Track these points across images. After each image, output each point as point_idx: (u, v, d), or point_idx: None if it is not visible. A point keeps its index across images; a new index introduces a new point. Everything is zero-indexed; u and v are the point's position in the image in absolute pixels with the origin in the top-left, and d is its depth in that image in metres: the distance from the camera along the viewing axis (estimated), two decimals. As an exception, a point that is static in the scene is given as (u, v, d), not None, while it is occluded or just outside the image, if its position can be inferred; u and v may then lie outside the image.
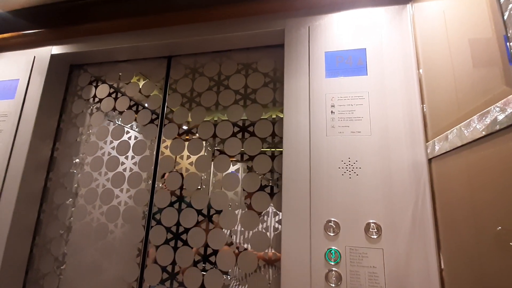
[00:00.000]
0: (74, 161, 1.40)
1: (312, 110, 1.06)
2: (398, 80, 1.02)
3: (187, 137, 1.28)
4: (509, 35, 0.57)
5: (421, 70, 1.01)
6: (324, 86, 1.08)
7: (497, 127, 0.59)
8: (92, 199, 1.31)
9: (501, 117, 0.58)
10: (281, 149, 1.08)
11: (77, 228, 1.32)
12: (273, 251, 1.07)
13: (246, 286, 1.08)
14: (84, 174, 1.36)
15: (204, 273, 1.10)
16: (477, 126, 0.66)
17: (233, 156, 1.19)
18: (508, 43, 0.57)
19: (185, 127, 1.32)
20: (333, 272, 0.91)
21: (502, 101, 0.57)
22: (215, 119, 1.26)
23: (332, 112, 1.05)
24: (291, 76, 1.12)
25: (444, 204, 0.86)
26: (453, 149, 0.77)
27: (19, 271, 1.28)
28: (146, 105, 1.37)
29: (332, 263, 0.92)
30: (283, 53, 1.16)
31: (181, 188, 1.21)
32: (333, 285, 0.90)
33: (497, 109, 0.59)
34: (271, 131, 1.18)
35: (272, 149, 1.16)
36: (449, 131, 0.79)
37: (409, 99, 1.00)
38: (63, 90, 1.49)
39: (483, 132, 0.63)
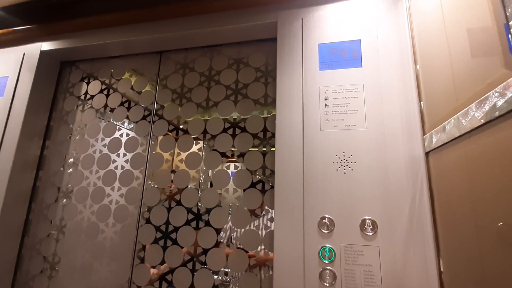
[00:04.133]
0: (64, 160, 1.37)
1: (306, 103, 1.03)
2: (394, 71, 0.98)
3: (177, 137, 1.25)
4: (509, 23, 0.54)
5: (418, 65, 0.97)
6: (317, 79, 1.04)
7: (497, 114, 0.55)
8: (83, 198, 1.28)
9: (500, 102, 0.54)
10: (273, 149, 1.05)
11: (67, 227, 1.29)
12: (265, 249, 1.03)
13: (237, 285, 1.04)
14: (75, 172, 1.33)
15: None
16: (475, 114, 0.62)
17: (224, 153, 1.16)
18: (509, 33, 0.53)
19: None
20: (327, 271, 0.87)
21: (501, 85, 0.53)
22: (206, 118, 1.22)
23: (326, 105, 1.02)
24: (283, 69, 1.09)
25: (442, 199, 0.82)
26: (451, 140, 0.74)
27: (7, 272, 1.25)
28: (138, 101, 1.34)
29: (326, 262, 0.88)
30: (274, 47, 1.13)
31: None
32: (327, 285, 0.86)
33: (496, 94, 0.55)
34: (262, 127, 1.14)
35: (263, 149, 1.12)
36: (447, 121, 0.75)
37: (405, 91, 0.96)
38: (53, 87, 1.46)
39: (482, 120, 0.60)
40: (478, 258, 0.63)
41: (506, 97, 0.52)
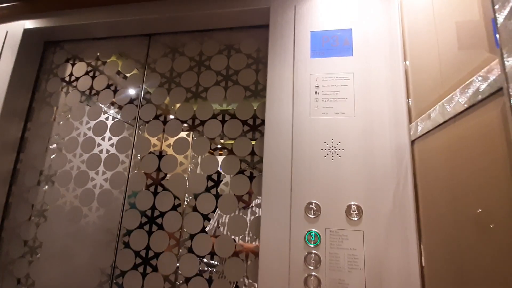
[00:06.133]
0: (47, 142, 1.33)
1: (296, 90, 1.03)
2: (384, 61, 1.00)
3: (163, 126, 1.22)
4: (496, 17, 0.55)
5: (407, 57, 0.98)
6: (308, 67, 1.05)
7: (479, 97, 0.56)
8: (65, 182, 1.25)
9: (483, 86, 0.55)
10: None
11: (49, 211, 1.25)
12: (252, 235, 1.03)
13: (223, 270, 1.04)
14: (57, 155, 1.29)
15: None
16: (459, 100, 0.64)
17: (212, 139, 1.15)
18: (496, 26, 0.55)
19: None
20: (313, 254, 0.88)
21: (485, 69, 0.55)
22: (195, 109, 1.20)
23: (316, 92, 1.02)
24: (275, 56, 1.08)
25: (424, 186, 0.84)
26: (435, 127, 0.75)
27: (-16, 256, 1.21)
28: (125, 84, 1.31)
29: (312, 246, 0.89)
30: (266, 34, 1.13)
31: (158, 170, 1.16)
32: (312, 268, 0.87)
33: (479, 78, 0.57)
34: (252, 114, 1.14)
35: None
36: (432, 109, 0.76)
37: (394, 80, 0.97)
38: (36, 67, 1.41)
39: (465, 105, 0.61)
40: (457, 244, 0.65)
41: (489, 81, 0.54)
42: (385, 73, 0.99)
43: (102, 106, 1.30)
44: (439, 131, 0.75)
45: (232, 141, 1.13)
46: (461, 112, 0.63)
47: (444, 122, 0.70)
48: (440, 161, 0.74)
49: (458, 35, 0.71)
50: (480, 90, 0.56)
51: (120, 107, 1.28)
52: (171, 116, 1.23)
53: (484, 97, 0.55)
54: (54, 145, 1.33)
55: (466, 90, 0.61)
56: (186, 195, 1.19)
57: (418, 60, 0.92)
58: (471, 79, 0.59)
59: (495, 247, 0.53)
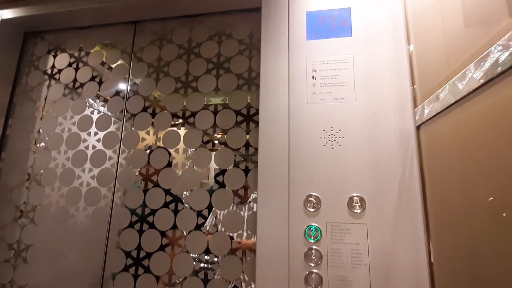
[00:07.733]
0: (30, 139, 1.25)
1: (292, 76, 0.96)
2: (385, 41, 0.93)
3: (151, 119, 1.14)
4: None
5: (410, 35, 0.91)
6: (305, 49, 0.98)
7: (499, 70, 0.49)
8: (50, 181, 1.18)
9: (503, 56, 0.48)
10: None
11: (34, 212, 1.18)
12: (248, 232, 0.97)
13: (219, 269, 0.98)
14: (41, 153, 1.22)
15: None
16: (474, 76, 0.57)
17: (205, 130, 1.08)
18: None
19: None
20: (313, 250, 0.82)
21: (505, 36, 0.48)
22: (185, 99, 1.13)
23: (313, 77, 0.95)
24: (268, 40, 1.01)
25: (432, 174, 0.78)
26: (445, 109, 0.69)
27: (-34, 261, 1.14)
28: (110, 76, 1.23)
29: (312, 241, 0.83)
30: (259, 18, 1.05)
31: (148, 165, 1.09)
32: (313, 265, 0.81)
33: (499, 48, 0.50)
34: (245, 103, 1.07)
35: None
36: (441, 89, 0.70)
37: (396, 62, 0.90)
38: (16, 60, 1.33)
39: (481, 80, 0.54)
40: (469, 236, 0.59)
41: (510, 49, 0.47)
42: (387, 53, 0.91)
43: (87, 99, 1.23)
44: (449, 113, 0.68)
45: (225, 135, 1.06)
46: (476, 89, 0.57)
47: (456, 102, 0.64)
48: (450, 146, 0.67)
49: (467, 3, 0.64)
50: (499, 62, 0.49)
51: (105, 100, 1.21)
52: (164, 111, 1.15)
53: (505, 69, 0.48)
54: (38, 143, 1.26)
55: (481, 63, 0.54)
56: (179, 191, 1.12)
57: (422, 36, 0.84)
58: (488, 50, 0.52)
59: (509, 238, 0.47)
